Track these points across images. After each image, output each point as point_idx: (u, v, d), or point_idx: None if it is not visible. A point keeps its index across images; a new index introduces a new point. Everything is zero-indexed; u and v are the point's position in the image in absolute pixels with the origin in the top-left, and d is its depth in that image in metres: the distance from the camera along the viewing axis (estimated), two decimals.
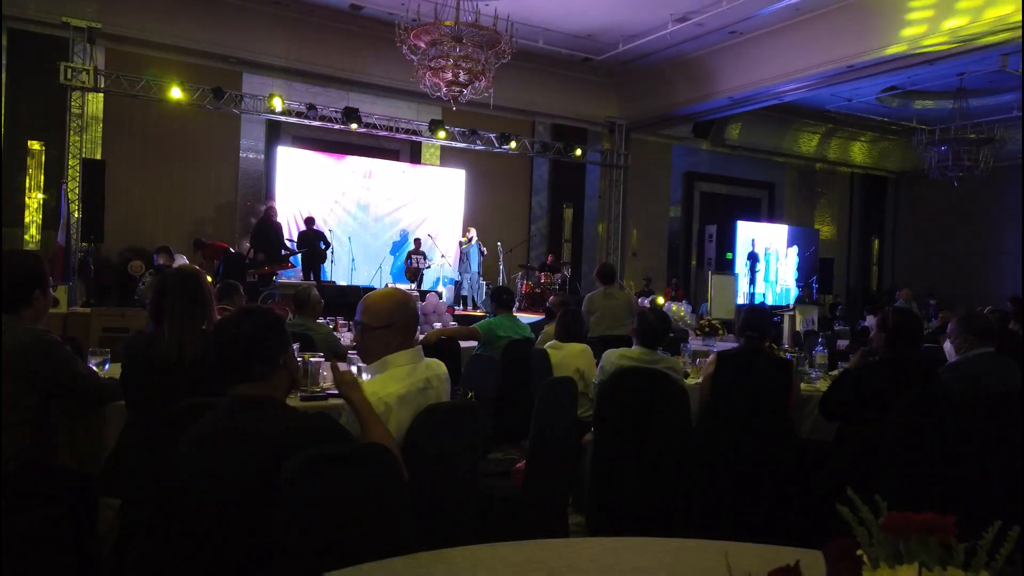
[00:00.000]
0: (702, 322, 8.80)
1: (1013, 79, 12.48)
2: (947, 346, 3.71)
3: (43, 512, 2.55)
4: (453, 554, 1.42)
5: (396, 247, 13.28)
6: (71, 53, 10.25)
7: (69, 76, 10.20)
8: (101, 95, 10.87)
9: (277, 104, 11.21)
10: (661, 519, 3.35)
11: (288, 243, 11.63)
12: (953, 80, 12.76)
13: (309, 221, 11.45)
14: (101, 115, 11.12)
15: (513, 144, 12.98)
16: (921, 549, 0.70)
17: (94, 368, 3.01)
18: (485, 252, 12.53)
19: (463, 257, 12.49)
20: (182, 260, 5.91)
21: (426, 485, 2.10)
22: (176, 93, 10.65)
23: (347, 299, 9.63)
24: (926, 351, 4.20)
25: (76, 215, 10.07)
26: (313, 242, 11.31)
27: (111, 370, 3.20)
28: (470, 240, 12.44)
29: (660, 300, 9.77)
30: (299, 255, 11.49)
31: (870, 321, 11.79)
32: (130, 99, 10.89)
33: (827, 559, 0.70)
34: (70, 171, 10.22)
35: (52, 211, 10.09)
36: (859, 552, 0.72)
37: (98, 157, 10.74)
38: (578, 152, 13.91)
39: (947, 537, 0.71)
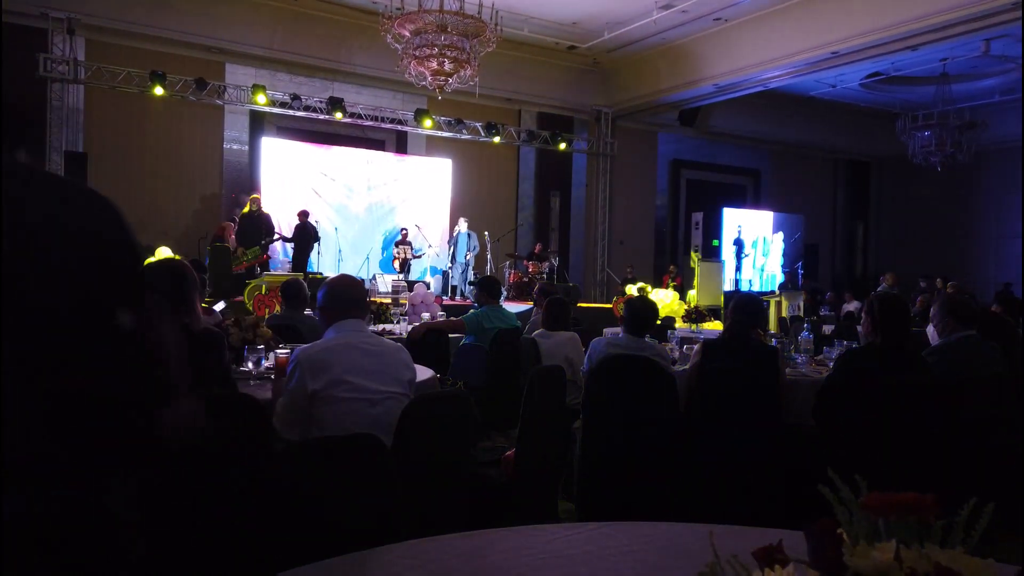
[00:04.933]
0: (689, 309, 8.85)
1: (995, 64, 12.56)
2: (930, 330, 3.76)
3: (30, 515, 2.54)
4: (444, 540, 1.44)
5: (386, 237, 13.25)
6: (50, 45, 10.12)
7: (48, 68, 10.07)
8: (82, 87, 10.74)
9: (261, 98, 11.18)
10: (650, 504, 3.38)
11: (279, 235, 11.52)
12: (936, 66, 12.83)
13: (303, 214, 11.38)
14: (82, 107, 10.98)
15: (497, 139, 13.06)
16: (899, 527, 0.72)
17: None
18: (477, 248, 12.44)
19: (453, 247, 12.45)
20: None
21: (417, 473, 2.12)
22: (158, 84, 10.55)
23: None
24: (913, 335, 4.24)
25: None
26: (307, 235, 11.24)
27: None
28: (460, 231, 12.38)
29: (645, 288, 9.84)
30: (289, 247, 11.42)
31: (853, 306, 11.92)
32: (111, 91, 10.76)
33: (808, 538, 0.72)
34: (51, 164, 10.11)
35: None
36: (839, 531, 0.74)
37: (80, 150, 10.62)
38: (562, 146, 14.00)
39: (926, 515, 0.73)
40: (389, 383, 2.48)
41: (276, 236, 11.24)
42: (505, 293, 11.26)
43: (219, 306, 5.58)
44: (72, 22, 10.13)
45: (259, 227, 11.13)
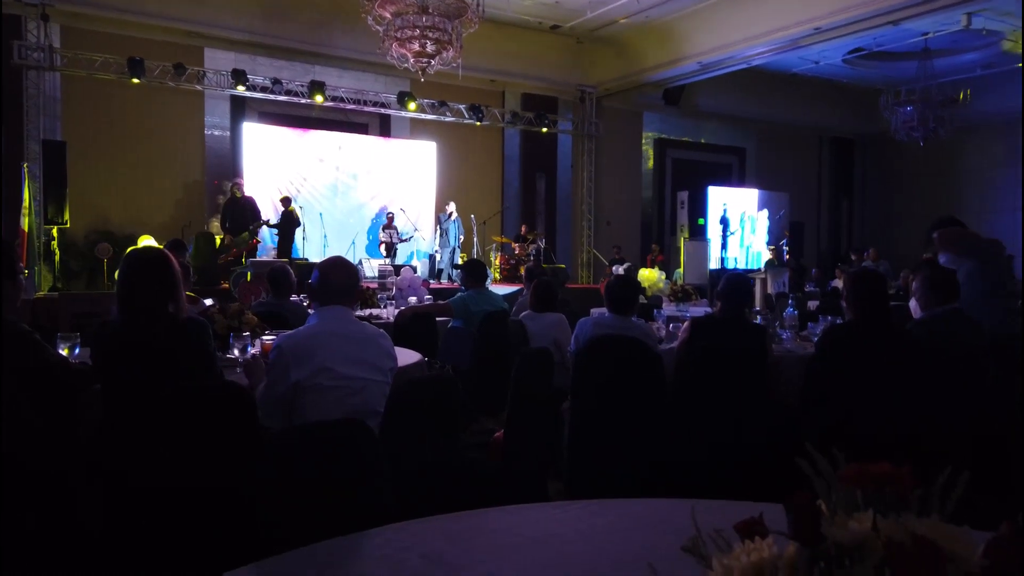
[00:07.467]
0: (675, 288, 8.89)
1: (977, 38, 12.60)
2: (912, 304, 3.79)
3: (20, 509, 2.52)
4: (434, 521, 1.45)
5: (373, 222, 13.18)
6: (24, 31, 9.93)
7: (23, 55, 9.90)
8: (58, 74, 10.56)
9: (241, 87, 11.10)
10: (639, 482, 3.42)
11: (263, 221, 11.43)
12: (918, 41, 12.85)
13: (286, 201, 11.30)
14: (59, 95, 10.81)
15: (479, 123, 13.04)
16: (877, 498, 0.74)
17: (63, 353, 2.97)
18: (463, 236, 12.41)
19: (442, 231, 12.39)
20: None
21: (406, 456, 2.13)
22: (136, 71, 10.40)
23: None
24: (893, 309, 4.27)
25: (37, 199, 9.85)
26: (290, 221, 11.16)
27: (82, 355, 3.15)
28: (450, 215, 12.32)
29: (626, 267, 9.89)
30: (274, 234, 11.34)
31: (839, 282, 12.01)
32: (89, 78, 10.60)
33: (788, 511, 0.73)
34: (29, 153, 9.97)
35: (12, 195, 9.84)
36: (819, 503, 0.75)
37: (58, 138, 10.47)
38: (544, 130, 13.98)
39: (902, 486, 0.75)
40: (371, 370, 2.49)
41: (263, 221, 11.13)
42: (491, 276, 11.25)
43: (209, 301, 5.51)
44: (46, 8, 9.94)
45: (244, 213, 11.03)
